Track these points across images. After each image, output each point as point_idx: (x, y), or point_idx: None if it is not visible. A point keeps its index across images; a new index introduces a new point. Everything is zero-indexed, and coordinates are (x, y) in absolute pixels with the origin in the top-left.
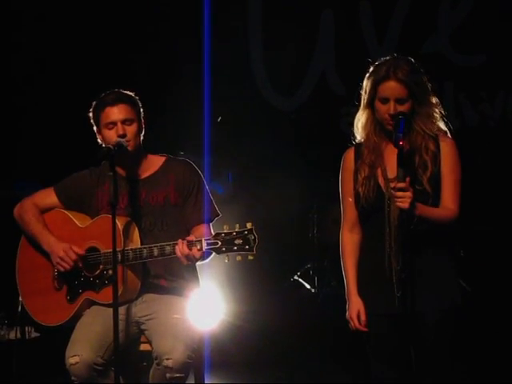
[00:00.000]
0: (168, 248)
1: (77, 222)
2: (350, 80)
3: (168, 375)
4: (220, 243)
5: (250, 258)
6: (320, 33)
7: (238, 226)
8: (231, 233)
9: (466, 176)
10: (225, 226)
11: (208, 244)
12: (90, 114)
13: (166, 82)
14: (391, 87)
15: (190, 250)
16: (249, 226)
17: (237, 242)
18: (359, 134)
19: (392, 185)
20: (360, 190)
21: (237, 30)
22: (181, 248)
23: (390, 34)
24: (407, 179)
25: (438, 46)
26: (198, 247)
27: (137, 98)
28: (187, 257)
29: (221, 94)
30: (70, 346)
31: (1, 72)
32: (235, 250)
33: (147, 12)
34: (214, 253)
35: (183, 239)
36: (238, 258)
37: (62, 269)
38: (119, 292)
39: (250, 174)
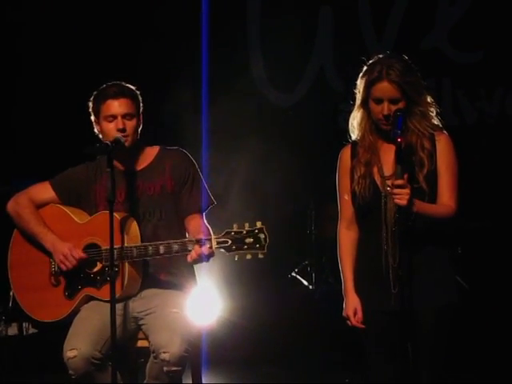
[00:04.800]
0: (176, 246)
1: (74, 218)
2: (348, 76)
3: (165, 368)
4: (230, 242)
5: (261, 256)
6: (318, 29)
7: (247, 224)
8: (241, 231)
9: (464, 173)
10: (234, 225)
11: (218, 242)
12: (90, 104)
13: (164, 77)
14: (384, 88)
15: (201, 248)
16: (259, 224)
17: (247, 240)
18: (355, 132)
19: (389, 182)
20: (356, 188)
21: (235, 25)
22: (194, 250)
23: (389, 30)
24: (405, 176)
25: (436, 42)
26: (209, 245)
27: (138, 92)
28: (199, 255)
29: (219, 90)
30: (68, 340)
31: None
32: (246, 249)
33: (148, 8)
34: (222, 250)
35: (195, 239)
36: (248, 256)
37: (64, 268)
38: (121, 289)
39: (248, 170)
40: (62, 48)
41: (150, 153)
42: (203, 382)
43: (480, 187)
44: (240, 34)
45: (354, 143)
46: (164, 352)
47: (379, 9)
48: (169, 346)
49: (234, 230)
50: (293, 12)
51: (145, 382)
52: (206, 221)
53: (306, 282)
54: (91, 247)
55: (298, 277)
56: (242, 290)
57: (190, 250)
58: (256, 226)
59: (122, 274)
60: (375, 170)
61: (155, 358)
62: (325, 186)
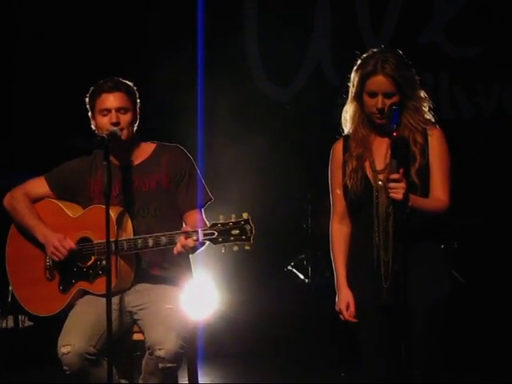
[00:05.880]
0: (163, 239)
1: (68, 212)
2: (345, 70)
3: (160, 365)
4: (217, 234)
5: (247, 247)
6: (316, 23)
7: (234, 216)
8: (228, 223)
9: (460, 168)
10: (221, 217)
11: (205, 234)
12: (87, 100)
13: (160, 72)
14: (379, 82)
15: (186, 240)
16: (245, 216)
17: (233, 232)
18: (347, 126)
19: (381, 176)
20: (348, 182)
21: (232, 20)
22: (179, 241)
23: (386, 24)
24: (401, 170)
25: (433, 37)
26: (195, 238)
27: (135, 88)
28: (183, 247)
29: (215, 85)
30: (63, 336)
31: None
32: (232, 241)
33: (145, 3)
34: (208, 242)
35: (179, 231)
36: (235, 248)
37: (56, 258)
38: (113, 282)
39: (244, 165)
40: (61, 39)
41: (147, 149)
42: (199, 375)
43: (476, 182)
44: (237, 29)
45: (346, 137)
46: (159, 349)
47: (376, 3)
48: (164, 343)
49: (221, 221)
50: (290, 6)
51: (141, 377)
52: (204, 216)
53: (301, 276)
54: (84, 241)
55: (294, 270)
56: (238, 284)
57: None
58: (242, 217)
59: (114, 267)
60: (367, 164)
61: (150, 354)
62: (321, 180)
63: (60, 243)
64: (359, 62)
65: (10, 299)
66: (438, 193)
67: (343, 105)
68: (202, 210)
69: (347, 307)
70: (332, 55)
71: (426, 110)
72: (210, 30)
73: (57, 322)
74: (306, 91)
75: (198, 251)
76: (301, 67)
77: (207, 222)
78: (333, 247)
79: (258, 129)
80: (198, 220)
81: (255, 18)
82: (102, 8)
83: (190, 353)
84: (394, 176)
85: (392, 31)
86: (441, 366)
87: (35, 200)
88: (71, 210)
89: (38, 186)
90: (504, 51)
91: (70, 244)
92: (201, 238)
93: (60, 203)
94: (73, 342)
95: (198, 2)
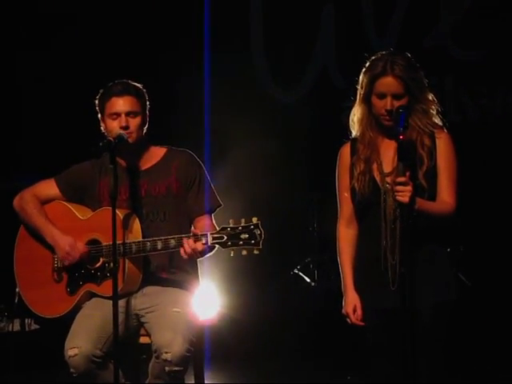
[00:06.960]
0: (173, 242)
1: (77, 214)
2: (351, 73)
3: (167, 368)
4: (226, 237)
5: (256, 252)
6: (321, 26)
7: (243, 220)
8: (237, 227)
9: (466, 170)
10: (230, 221)
11: (214, 238)
12: (96, 102)
13: (166, 77)
14: (388, 83)
15: (195, 243)
16: (254, 220)
17: (243, 236)
18: (355, 128)
19: (388, 179)
20: (356, 185)
21: (238, 22)
22: (187, 243)
23: (392, 27)
24: (407, 173)
25: (438, 40)
26: (204, 241)
27: (144, 90)
28: (192, 250)
29: (221, 87)
30: (69, 338)
31: (2, 64)
32: (241, 245)
33: (150, 5)
34: (218, 246)
35: (189, 234)
36: (244, 252)
37: (67, 263)
38: (121, 285)
39: (251, 167)
40: (65, 40)
41: (157, 153)
42: (205, 379)
43: (483, 185)
44: (243, 32)
45: (354, 140)
46: (166, 352)
47: (382, 6)
48: (170, 346)
49: (230, 225)
50: (296, 9)
51: (147, 381)
52: (214, 221)
53: (308, 279)
54: (93, 243)
55: (301, 274)
56: (245, 287)
57: None
58: (252, 221)
59: (122, 269)
60: (375, 166)
61: (157, 357)
62: (327, 183)
63: (71, 248)
64: (368, 63)
65: (16, 301)
66: (445, 196)
67: (350, 107)
68: (212, 215)
69: (354, 310)
70: (337, 58)
71: (434, 113)
72: (216, 33)
73: (63, 325)
74: (312, 93)
75: (206, 256)
76: (307, 69)
77: (217, 228)
78: (340, 250)
79: (264, 132)
80: (207, 225)
81: (261, 20)
82: (103, 8)
83: (196, 356)
84: (401, 179)
85: (397, 34)
86: (444, 368)
87: (44, 202)
88: (80, 212)
89: (48, 187)
90: (509, 53)
91: (82, 248)
92: (210, 241)
93: (69, 205)
94: (79, 344)
95: (205, 5)
